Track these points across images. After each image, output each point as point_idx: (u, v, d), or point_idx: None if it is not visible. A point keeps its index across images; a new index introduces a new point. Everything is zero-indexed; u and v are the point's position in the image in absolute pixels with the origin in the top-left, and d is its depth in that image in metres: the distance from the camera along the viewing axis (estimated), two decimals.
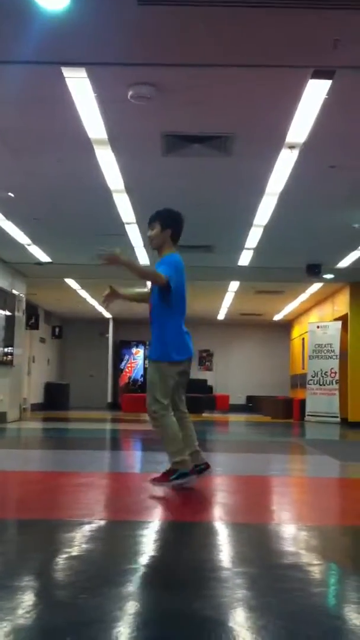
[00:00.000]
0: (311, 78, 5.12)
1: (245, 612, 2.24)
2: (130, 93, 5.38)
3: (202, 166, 7.45)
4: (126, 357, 23.26)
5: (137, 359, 23.24)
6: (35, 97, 5.66)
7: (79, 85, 5.27)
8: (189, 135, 6.45)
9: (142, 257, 11.94)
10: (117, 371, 23.00)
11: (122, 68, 5.07)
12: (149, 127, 6.23)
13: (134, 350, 23.23)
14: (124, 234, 10.32)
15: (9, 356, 12.80)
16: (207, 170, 7.59)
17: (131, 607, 2.28)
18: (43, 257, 12.26)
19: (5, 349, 12.52)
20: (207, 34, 4.60)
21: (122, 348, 23.16)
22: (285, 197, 8.27)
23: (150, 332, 4.82)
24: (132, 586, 2.52)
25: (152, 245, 4.92)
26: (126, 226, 9.85)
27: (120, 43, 4.72)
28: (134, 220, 9.53)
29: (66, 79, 5.18)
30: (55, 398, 19.90)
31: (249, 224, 9.73)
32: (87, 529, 3.59)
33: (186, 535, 3.52)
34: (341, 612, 2.32)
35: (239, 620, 2.16)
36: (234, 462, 7.31)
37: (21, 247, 11.36)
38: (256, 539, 3.44)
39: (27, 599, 2.36)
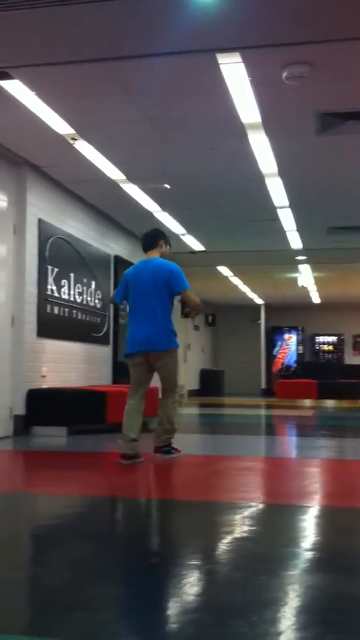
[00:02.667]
0: None
1: None
2: (284, 74, 5.29)
3: (357, 144, 7.20)
4: (278, 343, 23.10)
5: (289, 345, 23.01)
6: (188, 86, 5.73)
7: (233, 70, 5.26)
8: (344, 112, 6.25)
9: (295, 241, 11.79)
10: (270, 357, 22.91)
11: (276, 49, 5.00)
12: (303, 106, 6.11)
13: (286, 336, 23.02)
14: (276, 219, 10.23)
15: None
16: None
17: (305, 590, 2.28)
18: (197, 245, 12.43)
19: None
20: None
21: (274, 334, 23.02)
22: None
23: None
24: (304, 570, 2.52)
25: None
26: (278, 210, 9.75)
27: (274, 23, 4.64)
28: (287, 204, 9.41)
29: (220, 65, 5.18)
30: (210, 384, 20.21)
31: None
32: (251, 511, 3.62)
33: (350, 520, 3.46)
34: None
35: None
36: None
37: (176, 237, 11.57)
38: None
39: (206, 578, 2.43)
